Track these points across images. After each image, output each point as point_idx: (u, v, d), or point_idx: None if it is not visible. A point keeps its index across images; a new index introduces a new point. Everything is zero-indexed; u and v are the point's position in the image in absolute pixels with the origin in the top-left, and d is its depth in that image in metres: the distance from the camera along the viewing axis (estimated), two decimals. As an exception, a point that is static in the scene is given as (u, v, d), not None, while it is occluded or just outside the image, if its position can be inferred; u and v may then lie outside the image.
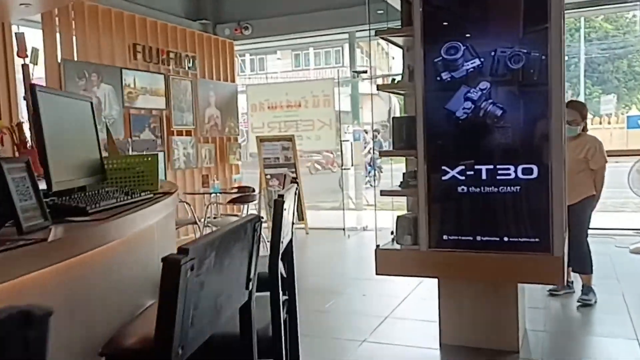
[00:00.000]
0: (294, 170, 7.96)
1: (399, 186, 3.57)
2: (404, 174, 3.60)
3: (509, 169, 3.05)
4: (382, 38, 3.50)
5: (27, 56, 4.36)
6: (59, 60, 5.48)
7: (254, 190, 6.70)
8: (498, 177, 3.07)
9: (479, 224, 3.14)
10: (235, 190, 6.68)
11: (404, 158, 3.65)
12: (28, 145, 4.12)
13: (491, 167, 3.08)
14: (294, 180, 7.94)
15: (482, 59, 3.04)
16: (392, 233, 3.55)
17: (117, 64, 6.23)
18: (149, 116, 6.66)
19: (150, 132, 6.63)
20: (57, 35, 5.48)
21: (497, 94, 3.05)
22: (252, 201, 5.93)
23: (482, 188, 3.10)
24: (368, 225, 7.68)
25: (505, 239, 3.08)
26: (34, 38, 5.34)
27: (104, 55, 6.08)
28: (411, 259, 3.32)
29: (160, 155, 6.94)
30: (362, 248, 6.70)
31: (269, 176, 7.86)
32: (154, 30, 6.82)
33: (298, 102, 8.17)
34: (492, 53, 3.01)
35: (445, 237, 3.22)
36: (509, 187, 3.06)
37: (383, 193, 3.60)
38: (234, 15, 8.64)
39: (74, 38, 5.68)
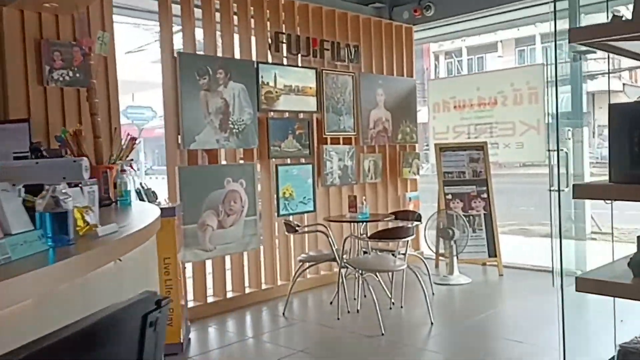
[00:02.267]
0: (484, 188, 6.00)
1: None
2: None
3: None
4: None
5: (91, 43, 3.38)
6: (175, 54, 4.53)
7: (418, 218, 4.98)
8: None
9: None
10: (390, 218, 5.04)
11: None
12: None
13: None
14: (485, 203, 5.99)
15: None
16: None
17: (252, 58, 5.11)
18: (294, 121, 5.43)
19: (295, 141, 5.39)
20: (172, 23, 4.54)
21: None
22: (402, 237, 4.24)
23: None
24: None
25: None
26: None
27: (235, 47, 5.01)
28: None
29: (308, 169, 5.69)
30: (588, 312, 4.50)
31: (449, 196, 6.04)
32: (304, 16, 5.57)
33: (493, 98, 6.19)
34: None
35: None
36: None
37: None
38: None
39: (195, 27, 4.69)
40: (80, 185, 1.82)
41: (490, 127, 6.24)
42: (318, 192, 5.64)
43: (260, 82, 5.08)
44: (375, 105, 6.21)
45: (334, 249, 4.60)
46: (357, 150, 6.01)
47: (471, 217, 5.97)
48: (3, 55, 3.72)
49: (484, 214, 5.96)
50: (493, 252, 5.84)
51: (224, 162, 4.96)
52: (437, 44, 30.37)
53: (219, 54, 4.90)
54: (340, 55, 5.86)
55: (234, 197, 4.84)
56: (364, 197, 5.01)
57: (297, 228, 4.69)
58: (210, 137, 4.67)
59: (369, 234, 4.80)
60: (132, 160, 3.41)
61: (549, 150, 5.59)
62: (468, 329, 4.20)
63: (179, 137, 4.52)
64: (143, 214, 2.63)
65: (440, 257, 5.93)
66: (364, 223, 4.87)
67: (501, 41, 29.09)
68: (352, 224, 4.94)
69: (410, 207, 6.59)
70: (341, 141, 5.89)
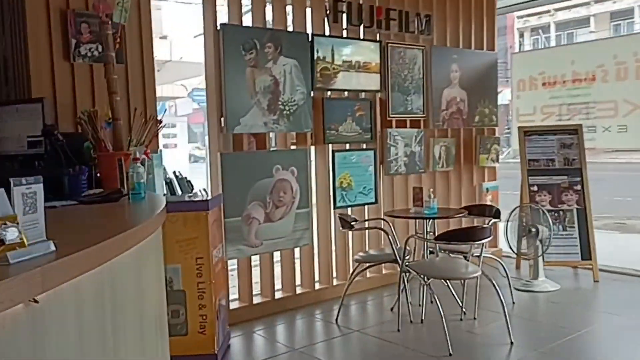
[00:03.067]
0: (578, 179, 5.13)
1: None
2: None
3: None
4: None
5: (109, 9, 2.92)
6: (218, 27, 4.02)
7: (497, 214, 4.24)
8: None
9: None
10: (463, 213, 4.32)
11: None
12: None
13: None
14: (579, 197, 5.14)
15: None
16: None
17: (307, 30, 4.52)
18: (354, 101, 4.81)
19: (354, 124, 4.77)
20: (215, -9, 4.04)
21: None
22: (476, 241, 3.53)
23: None
24: None
25: None
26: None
27: (286, 18, 4.44)
28: None
29: (369, 156, 5.06)
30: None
31: (535, 187, 5.21)
32: (367, -19, 4.91)
33: (591, 74, 5.27)
34: None
35: None
36: None
37: None
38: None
39: (241, -5, 4.17)
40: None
41: (587, 107, 5.33)
42: (380, 181, 5.01)
43: (315, 58, 4.49)
44: (449, 83, 5.46)
45: (394, 249, 3.97)
46: (427, 134, 5.31)
47: (561, 213, 5.12)
48: (25, 27, 3.35)
49: (577, 209, 5.09)
50: (587, 253, 4.98)
51: (273, 148, 4.43)
52: (522, 20, 28.37)
53: (269, 25, 4.35)
54: (409, 27, 5.15)
55: (284, 187, 4.31)
56: (431, 190, 4.31)
57: (353, 223, 4.10)
58: (258, 120, 4.15)
59: (437, 232, 4.13)
60: (146, 146, 2.94)
61: None
62: (556, 353, 3.46)
63: (222, 119, 4.04)
64: (143, 214, 2.13)
65: (523, 257, 5.13)
66: (432, 220, 4.19)
67: (594, 15, 26.81)
68: (417, 220, 4.27)
69: (488, 200, 5.83)
70: (408, 124, 5.21)
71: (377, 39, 4.96)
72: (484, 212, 4.40)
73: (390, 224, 4.37)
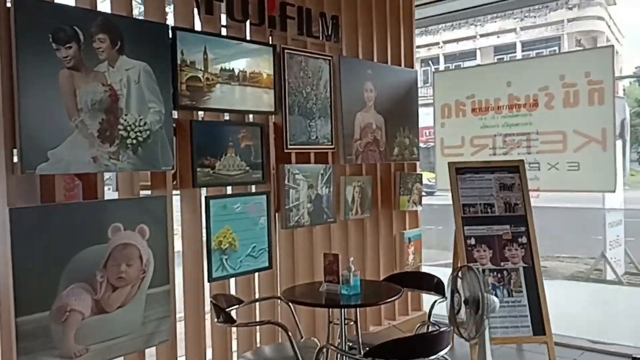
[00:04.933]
0: (523, 229, 4.08)
1: None
2: None
3: None
4: None
5: None
6: (8, 2, 2.47)
7: (438, 287, 3.00)
8: None
9: None
10: (397, 293, 3.03)
11: None
12: None
13: None
14: (525, 252, 4.10)
15: None
16: None
17: (165, 20, 3.08)
18: (238, 126, 3.41)
19: (238, 158, 3.37)
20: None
21: None
22: (432, 354, 2.22)
23: None
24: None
25: None
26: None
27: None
28: None
29: (260, 203, 3.67)
30: None
31: (472, 240, 4.09)
32: (256, -36, 3.57)
33: (533, 98, 4.30)
34: None
35: None
36: None
37: None
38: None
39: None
40: None
41: (528, 138, 4.33)
42: (276, 238, 3.63)
43: (179, 62, 3.06)
44: (363, 105, 4.25)
45: (296, 349, 2.57)
46: (337, 171, 4.03)
47: (505, 273, 4.03)
48: None
49: (524, 267, 4.02)
50: (540, 326, 3.90)
51: (110, 196, 2.90)
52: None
53: (104, 8, 2.85)
54: (311, 29, 3.88)
55: (127, 256, 2.78)
56: (351, 259, 2.97)
57: (234, 309, 2.66)
58: (82, 153, 2.60)
59: (359, 321, 2.80)
60: None
61: None
62: None
63: (16, 152, 2.45)
64: None
65: (463, 337, 3.93)
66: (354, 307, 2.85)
67: (479, 48, 27.75)
68: (330, 308, 2.91)
69: (410, 252, 4.65)
70: (313, 158, 3.90)
71: (270, 41, 3.63)
72: (420, 284, 3.17)
73: (292, 307, 2.98)
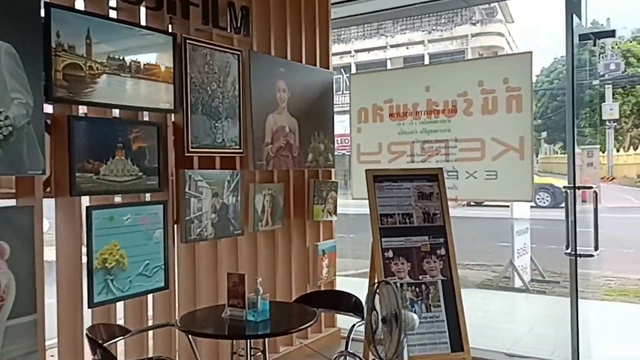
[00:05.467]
0: (442, 240, 3.89)
1: None
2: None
3: None
4: None
5: None
6: None
7: (357, 307, 2.69)
8: None
9: None
10: (311, 319, 2.69)
11: None
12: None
13: None
14: (443, 264, 3.91)
15: None
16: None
17: (38, -6, 2.56)
18: (129, 124, 2.93)
19: (129, 161, 2.89)
20: None
21: None
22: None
23: None
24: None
25: None
26: None
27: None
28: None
29: (155, 213, 3.20)
30: None
31: (389, 253, 3.84)
32: (153, -60, 3.12)
33: (451, 104, 4.14)
34: None
35: None
36: None
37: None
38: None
39: None
40: None
41: (447, 146, 4.17)
42: (175, 254, 3.17)
43: (54, 45, 2.55)
44: (275, 106, 3.89)
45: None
46: (246, 178, 3.63)
47: (423, 287, 3.81)
48: None
49: (442, 280, 3.82)
50: (458, 342, 3.71)
51: (-42, 206, 2.34)
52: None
53: (-48, -28, 2.29)
54: (218, 19, 3.47)
55: (-20, 281, 2.24)
56: (259, 280, 2.59)
57: (118, 341, 2.19)
58: None
59: (268, 352, 2.43)
60: None
61: (566, 188, 3.60)
62: None
63: None
64: None
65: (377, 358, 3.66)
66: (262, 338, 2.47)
67: (390, 59, 28.35)
68: (234, 338, 2.51)
69: (324, 265, 4.35)
70: (218, 163, 3.48)
71: (170, 30, 3.18)
72: (337, 304, 2.85)
73: (191, 340, 2.55)
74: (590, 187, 3.49)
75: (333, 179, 4.53)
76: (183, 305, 3.19)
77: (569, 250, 3.45)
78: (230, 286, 2.53)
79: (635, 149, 30.03)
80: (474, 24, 26.15)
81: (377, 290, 3.42)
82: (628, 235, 10.30)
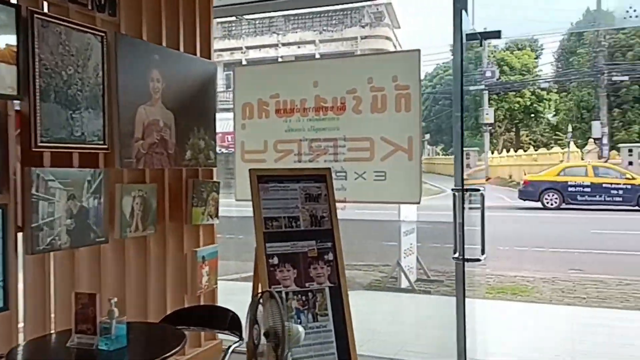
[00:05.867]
0: (329, 244, 3.69)
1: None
2: None
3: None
4: None
5: None
6: None
7: (233, 325, 2.39)
8: None
9: None
10: (179, 343, 2.34)
11: None
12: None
13: None
14: (331, 270, 3.72)
15: None
16: None
17: None
18: (-43, 112, 2.40)
19: (-45, 157, 2.36)
20: None
21: None
22: None
23: None
24: None
25: None
26: None
27: None
28: None
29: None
30: None
31: (274, 260, 3.57)
32: None
33: (340, 101, 3.96)
34: None
35: None
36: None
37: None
38: None
39: None
40: None
41: (335, 145, 3.98)
42: (19, 267, 2.66)
43: None
44: (148, 97, 3.47)
45: None
46: (110, 177, 3.18)
47: (310, 295, 3.58)
48: None
49: (330, 287, 3.62)
50: (345, 352, 3.52)
51: None
52: (214, 54, 27.92)
53: None
54: (77, -7, 2.99)
55: None
56: (113, 300, 2.19)
57: None
58: None
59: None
60: None
61: (454, 191, 3.52)
62: None
63: None
64: None
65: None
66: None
67: (281, 57, 28.19)
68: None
69: (204, 273, 3.99)
70: (76, 160, 3.01)
71: (14, 1, 2.67)
72: (213, 322, 2.53)
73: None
74: (478, 190, 3.46)
75: (215, 179, 4.18)
76: (30, 330, 2.70)
77: (456, 255, 3.39)
78: (78, 309, 2.12)
79: (508, 151, 32.44)
80: (363, 27, 26.75)
81: (260, 302, 3.14)
82: (503, 233, 10.90)
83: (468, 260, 3.39)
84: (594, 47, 25.75)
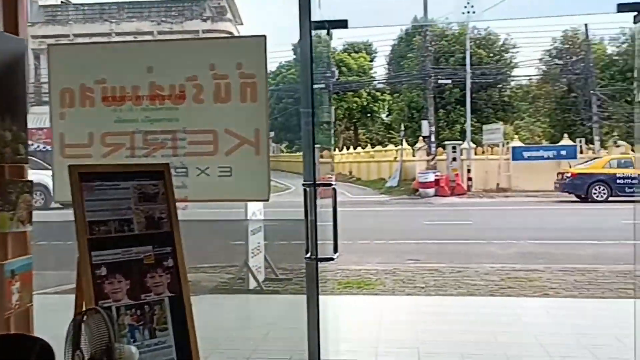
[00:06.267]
0: (169, 249, 3.29)
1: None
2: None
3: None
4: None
5: None
6: None
7: (44, 354, 1.92)
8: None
9: None
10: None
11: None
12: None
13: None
14: (171, 277, 3.32)
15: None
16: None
17: None
18: None
19: None
20: None
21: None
22: None
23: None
24: None
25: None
26: None
27: None
28: None
29: None
30: None
31: (103, 271, 3.06)
32: None
33: (179, 89, 3.55)
34: None
35: None
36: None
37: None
38: None
39: None
40: None
41: (174, 138, 3.56)
42: None
43: None
44: None
45: None
46: None
47: (147, 308, 3.14)
48: None
49: (170, 297, 3.21)
50: (189, 371, 3.14)
51: None
52: (37, 41, 24.99)
53: None
54: None
55: None
56: None
57: None
58: None
59: None
60: None
61: (305, 186, 3.29)
62: None
63: None
64: None
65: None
66: None
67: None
68: None
69: (15, 290, 3.35)
70: None
71: None
72: (15, 354, 1.99)
73: None
74: (330, 185, 3.30)
75: (27, 178, 3.51)
76: None
77: (308, 255, 3.19)
78: None
79: (347, 148, 33.92)
80: (205, 20, 26.00)
81: (84, 321, 2.65)
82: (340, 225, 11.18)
83: (321, 259, 3.21)
84: (421, 52, 27.86)
